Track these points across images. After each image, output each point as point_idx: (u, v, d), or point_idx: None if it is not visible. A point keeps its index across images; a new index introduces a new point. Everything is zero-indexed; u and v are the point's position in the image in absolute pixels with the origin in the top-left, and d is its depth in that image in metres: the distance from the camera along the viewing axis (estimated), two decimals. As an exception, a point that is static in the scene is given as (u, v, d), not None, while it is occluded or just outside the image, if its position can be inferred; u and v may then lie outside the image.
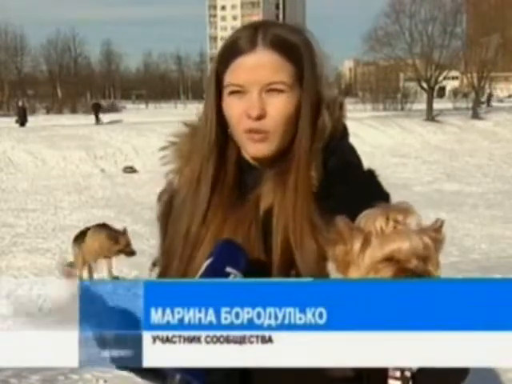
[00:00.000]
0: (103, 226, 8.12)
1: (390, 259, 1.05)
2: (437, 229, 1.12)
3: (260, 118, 1.26)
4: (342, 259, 1.10)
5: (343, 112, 1.36)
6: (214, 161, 1.33)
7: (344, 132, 1.36)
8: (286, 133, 1.29)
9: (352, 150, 1.37)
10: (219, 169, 1.34)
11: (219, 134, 1.33)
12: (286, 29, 1.31)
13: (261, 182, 1.32)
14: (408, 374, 1.06)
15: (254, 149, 1.29)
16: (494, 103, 49.20)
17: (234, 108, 1.28)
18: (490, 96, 37.93)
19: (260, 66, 1.25)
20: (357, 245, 1.08)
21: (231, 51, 1.28)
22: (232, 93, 1.28)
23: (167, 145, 1.41)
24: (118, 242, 7.74)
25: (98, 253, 7.85)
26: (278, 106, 1.26)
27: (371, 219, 1.08)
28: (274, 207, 1.29)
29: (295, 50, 1.29)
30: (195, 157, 1.36)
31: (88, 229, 8.14)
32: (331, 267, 1.16)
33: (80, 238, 8.02)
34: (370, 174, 1.34)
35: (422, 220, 1.11)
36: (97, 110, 35.70)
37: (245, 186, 1.34)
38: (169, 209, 1.42)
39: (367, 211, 1.10)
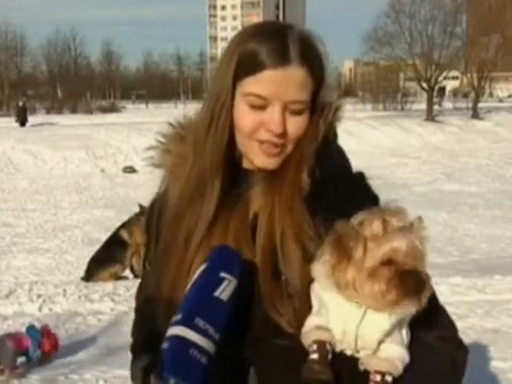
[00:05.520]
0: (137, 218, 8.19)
1: (387, 262, 1.02)
2: (421, 227, 1.08)
3: (281, 135, 1.23)
4: (350, 275, 1.05)
5: (338, 115, 1.32)
6: (222, 171, 1.28)
7: (335, 135, 1.34)
8: None
9: (342, 153, 1.34)
10: (225, 176, 1.29)
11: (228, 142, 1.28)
12: (313, 38, 1.25)
13: (251, 185, 1.29)
14: (389, 378, 1.02)
15: (263, 160, 1.26)
16: (493, 103, 49.12)
17: (250, 118, 1.23)
18: (442, 95, 37.56)
19: (289, 82, 1.21)
20: (358, 253, 1.03)
21: (259, 61, 1.21)
22: (252, 102, 1.23)
23: (155, 145, 1.36)
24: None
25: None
26: (298, 127, 1.24)
27: (367, 223, 1.05)
28: (259, 211, 1.26)
29: (320, 63, 1.25)
30: (195, 162, 1.30)
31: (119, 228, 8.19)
32: (316, 272, 1.13)
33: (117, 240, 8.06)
34: (360, 177, 1.30)
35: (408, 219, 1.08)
36: (23, 112, 32.40)
37: (235, 188, 1.29)
38: (159, 214, 1.36)
39: (360, 215, 1.06)
